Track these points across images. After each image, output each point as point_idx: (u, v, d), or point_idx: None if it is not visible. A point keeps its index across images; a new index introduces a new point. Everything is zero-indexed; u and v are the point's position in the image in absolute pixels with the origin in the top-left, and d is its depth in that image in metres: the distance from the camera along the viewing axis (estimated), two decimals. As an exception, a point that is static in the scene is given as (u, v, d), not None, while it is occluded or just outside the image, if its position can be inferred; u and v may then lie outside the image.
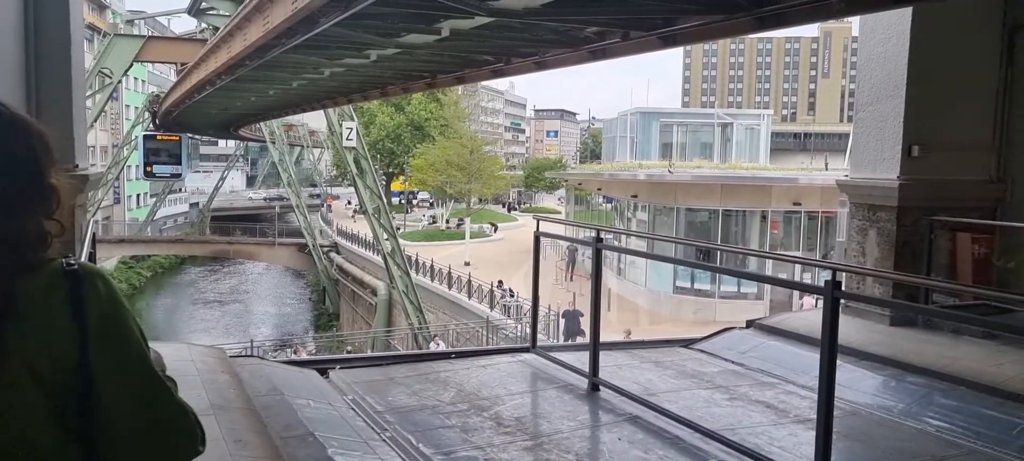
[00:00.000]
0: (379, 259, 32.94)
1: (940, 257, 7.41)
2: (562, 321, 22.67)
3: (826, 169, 41.19)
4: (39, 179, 1.23)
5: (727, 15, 6.89)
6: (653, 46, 8.16)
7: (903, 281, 7.17)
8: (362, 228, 45.70)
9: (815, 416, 4.18)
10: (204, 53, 14.68)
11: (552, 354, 6.96)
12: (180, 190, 69.45)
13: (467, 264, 36.61)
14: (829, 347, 3.84)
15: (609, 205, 41.63)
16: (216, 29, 17.98)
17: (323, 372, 6.51)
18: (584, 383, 6.00)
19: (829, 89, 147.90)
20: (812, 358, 6.28)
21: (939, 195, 7.45)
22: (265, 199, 76.82)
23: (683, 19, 7.50)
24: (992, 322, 6.13)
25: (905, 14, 7.28)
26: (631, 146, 43.67)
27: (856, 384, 6.04)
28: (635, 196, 33.85)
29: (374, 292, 37.52)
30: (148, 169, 41.82)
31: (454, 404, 5.67)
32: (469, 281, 31.21)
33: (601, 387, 5.87)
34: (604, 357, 6.18)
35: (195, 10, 20.27)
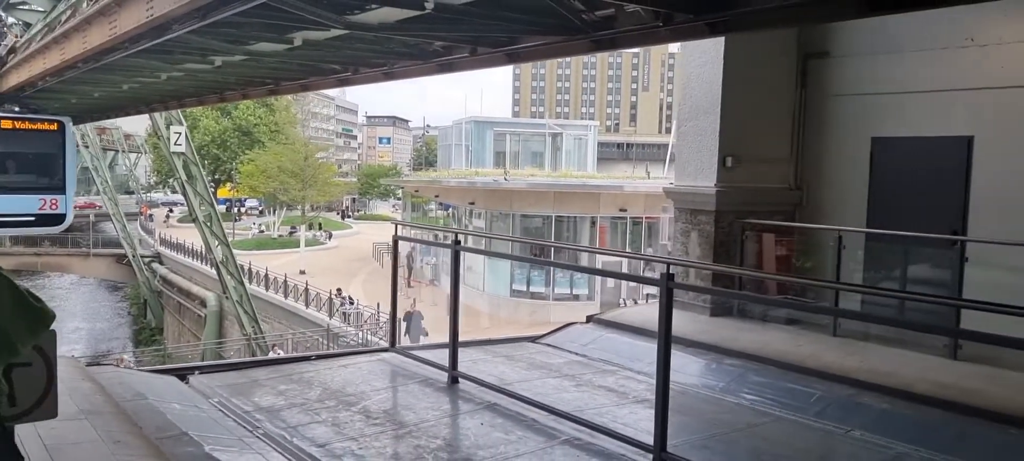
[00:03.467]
0: (208, 269, 31.67)
1: (750, 255, 8.45)
2: (404, 323, 22.92)
3: (648, 177, 43.91)
4: None
5: (567, 36, 7.49)
6: (499, 61, 8.66)
7: (722, 272, 8.10)
8: (187, 235, 43.61)
9: (652, 397, 4.83)
10: (29, 54, 13.72)
11: (411, 352, 7.34)
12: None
13: (303, 272, 35.90)
14: (665, 330, 4.47)
15: (445, 212, 42.16)
16: (28, 25, 16.77)
17: (183, 378, 6.53)
18: (444, 377, 6.42)
19: (649, 102, 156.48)
20: (645, 347, 7.07)
21: (749, 201, 8.51)
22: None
23: (527, 38, 8.05)
24: (796, 304, 7.16)
25: (719, 41, 8.26)
26: (466, 154, 44.41)
27: (684, 367, 6.83)
28: (473, 203, 34.59)
29: (203, 303, 36.00)
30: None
31: (322, 401, 5.91)
32: (306, 289, 30.68)
33: (460, 379, 6.31)
34: (460, 353, 6.62)
35: (5, 4, 18.77)
